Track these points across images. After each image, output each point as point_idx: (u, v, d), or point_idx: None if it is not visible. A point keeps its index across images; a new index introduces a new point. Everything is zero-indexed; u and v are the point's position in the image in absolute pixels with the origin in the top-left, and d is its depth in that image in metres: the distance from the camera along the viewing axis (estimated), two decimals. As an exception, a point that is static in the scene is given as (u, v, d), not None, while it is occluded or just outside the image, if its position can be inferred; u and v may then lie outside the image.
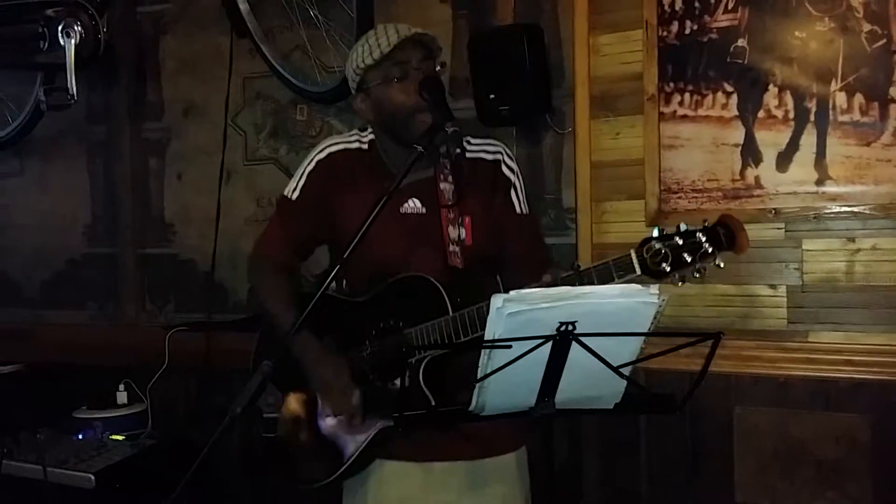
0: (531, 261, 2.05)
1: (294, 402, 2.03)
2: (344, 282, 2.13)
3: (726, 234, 1.67)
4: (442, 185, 2.05)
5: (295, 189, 2.14)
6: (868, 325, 2.59)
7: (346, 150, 2.13)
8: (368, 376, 2.00)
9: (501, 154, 2.12)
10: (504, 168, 2.11)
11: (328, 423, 2.03)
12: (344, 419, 1.98)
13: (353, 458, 2.01)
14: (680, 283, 1.70)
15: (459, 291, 1.93)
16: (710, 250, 1.66)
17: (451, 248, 2.01)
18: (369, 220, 1.77)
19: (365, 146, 2.13)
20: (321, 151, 2.14)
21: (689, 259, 1.67)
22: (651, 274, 1.69)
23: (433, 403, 1.87)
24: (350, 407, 1.96)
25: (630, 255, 1.71)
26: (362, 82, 2.04)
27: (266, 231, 2.24)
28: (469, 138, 2.11)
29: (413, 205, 2.06)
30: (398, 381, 1.96)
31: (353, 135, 2.16)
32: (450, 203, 2.03)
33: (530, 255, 2.10)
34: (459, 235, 2.02)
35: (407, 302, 1.97)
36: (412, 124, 1.96)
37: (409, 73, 1.98)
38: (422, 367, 1.91)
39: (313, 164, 2.13)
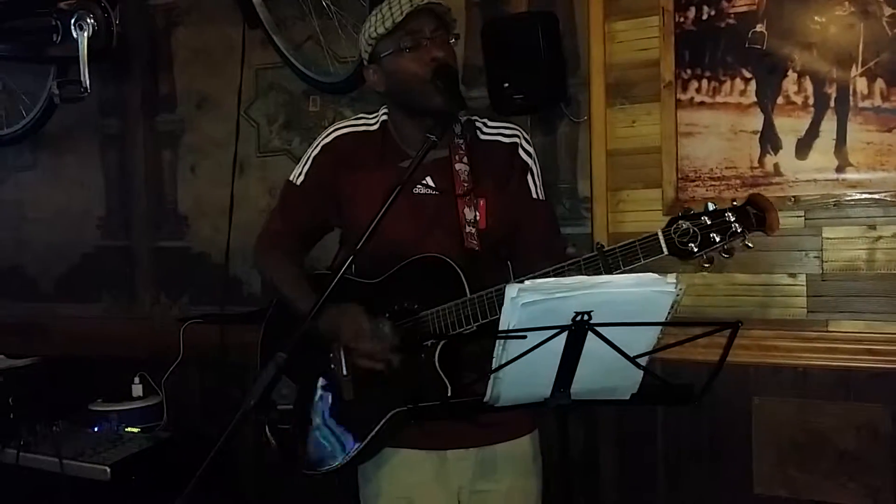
0: (545, 247, 2.02)
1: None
2: (354, 266, 2.06)
3: (756, 213, 1.64)
4: (457, 167, 2.02)
5: (300, 174, 2.14)
6: (889, 313, 2.55)
7: (352, 132, 2.11)
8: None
9: (518, 138, 2.10)
10: (521, 151, 2.09)
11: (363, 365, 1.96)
12: (381, 359, 1.91)
13: (364, 443, 1.99)
14: (707, 265, 1.67)
15: (476, 274, 1.91)
16: (738, 230, 1.64)
17: (468, 229, 1.98)
18: (383, 210, 1.74)
19: (373, 127, 2.10)
20: (327, 136, 2.13)
21: (717, 239, 1.64)
22: (678, 254, 1.67)
23: (448, 387, 1.85)
24: (383, 342, 1.89)
25: (657, 234, 1.68)
26: (374, 52, 2.02)
27: (270, 216, 2.24)
28: (486, 121, 2.11)
29: (427, 186, 2.02)
30: (413, 364, 1.93)
31: (360, 117, 2.15)
32: (465, 184, 2.00)
33: (544, 242, 2.07)
34: (475, 217, 2.00)
35: (423, 283, 1.94)
36: (424, 95, 1.94)
37: (421, 43, 1.95)
38: (438, 349, 1.88)
39: (318, 148, 2.12)
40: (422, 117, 1.96)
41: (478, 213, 2.00)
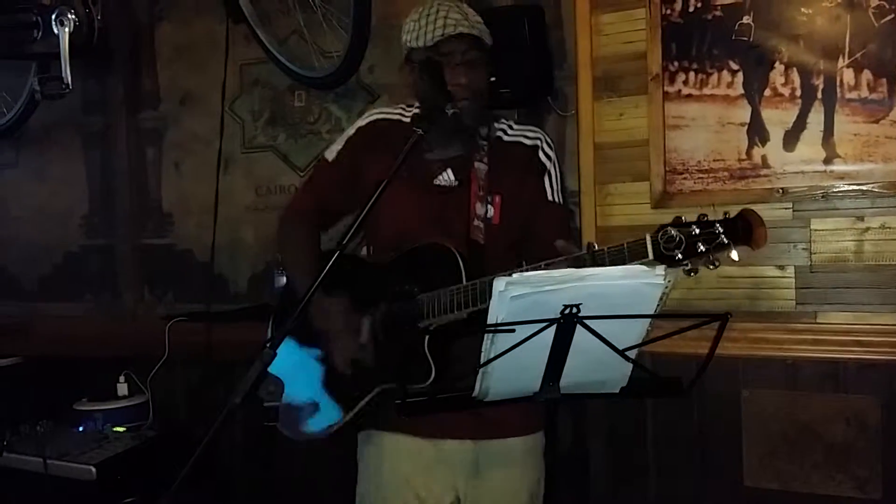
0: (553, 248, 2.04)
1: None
2: (371, 248, 2.19)
3: (744, 226, 1.63)
4: (476, 165, 2.10)
5: (334, 152, 2.21)
6: (877, 304, 2.54)
7: (387, 119, 2.19)
8: (377, 336, 2.02)
9: (540, 140, 2.18)
10: (541, 154, 2.16)
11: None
12: (350, 364, 2.00)
13: (350, 415, 2.03)
14: (692, 274, 1.66)
15: (479, 266, 1.95)
16: (725, 241, 1.63)
17: (475, 223, 2.05)
18: (376, 195, 1.77)
19: (407, 118, 2.17)
20: (364, 119, 2.21)
21: (702, 248, 1.63)
22: (663, 260, 1.67)
23: (433, 371, 1.89)
24: (357, 348, 1.98)
25: (645, 238, 1.68)
26: (408, 56, 2.10)
27: (299, 190, 2.39)
28: (512, 124, 2.20)
29: (446, 178, 2.10)
30: (403, 344, 1.98)
31: (399, 107, 2.22)
32: (481, 181, 2.07)
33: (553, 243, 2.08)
34: (486, 213, 2.07)
35: (425, 269, 2.00)
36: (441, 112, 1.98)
37: (450, 64, 2.02)
38: (427, 333, 1.93)
39: (354, 130, 2.21)
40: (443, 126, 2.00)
41: (491, 209, 2.08)
